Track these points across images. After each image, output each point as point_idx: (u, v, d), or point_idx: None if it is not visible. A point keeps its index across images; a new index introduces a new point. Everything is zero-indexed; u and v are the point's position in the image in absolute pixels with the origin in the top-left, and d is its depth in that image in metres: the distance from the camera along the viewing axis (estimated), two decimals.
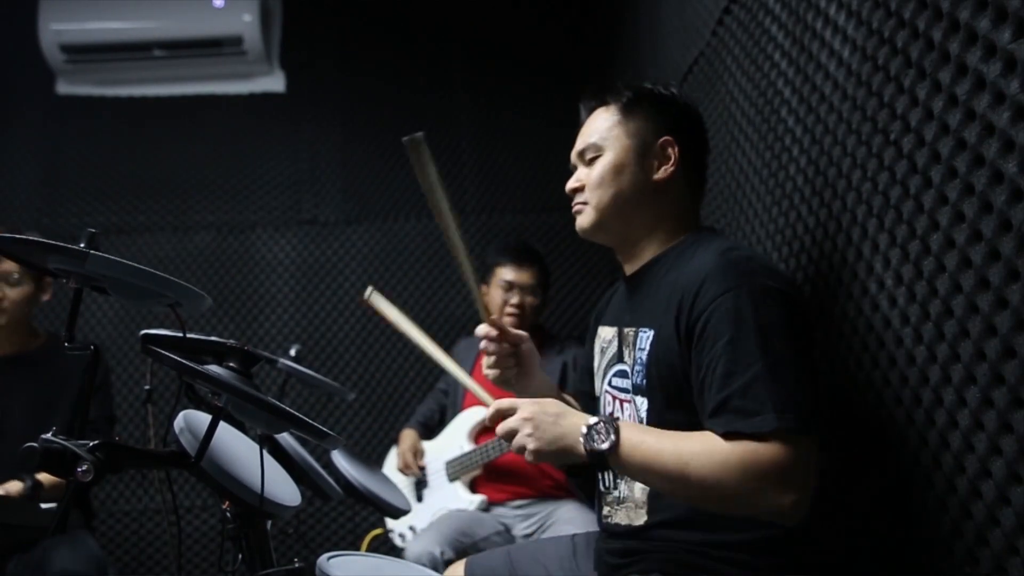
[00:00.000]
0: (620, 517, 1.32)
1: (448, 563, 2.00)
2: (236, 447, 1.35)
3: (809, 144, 1.42)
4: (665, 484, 1.13)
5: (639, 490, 1.29)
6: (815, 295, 1.40)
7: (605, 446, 1.10)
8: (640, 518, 1.28)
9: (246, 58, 3.41)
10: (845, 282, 1.28)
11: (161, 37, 3.35)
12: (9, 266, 2.10)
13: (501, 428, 1.16)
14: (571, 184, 1.38)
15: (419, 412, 2.82)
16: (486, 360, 1.42)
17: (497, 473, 2.49)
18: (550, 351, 2.59)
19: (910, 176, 1.08)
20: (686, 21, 2.22)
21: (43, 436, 1.08)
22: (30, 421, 2.10)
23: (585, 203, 1.35)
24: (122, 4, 3.36)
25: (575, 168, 1.40)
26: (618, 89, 1.37)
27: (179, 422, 1.25)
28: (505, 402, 1.17)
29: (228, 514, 1.32)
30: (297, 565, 1.33)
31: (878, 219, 1.17)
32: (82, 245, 1.16)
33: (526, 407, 1.15)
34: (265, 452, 1.30)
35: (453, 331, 3.26)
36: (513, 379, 1.43)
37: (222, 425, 1.21)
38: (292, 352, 2.00)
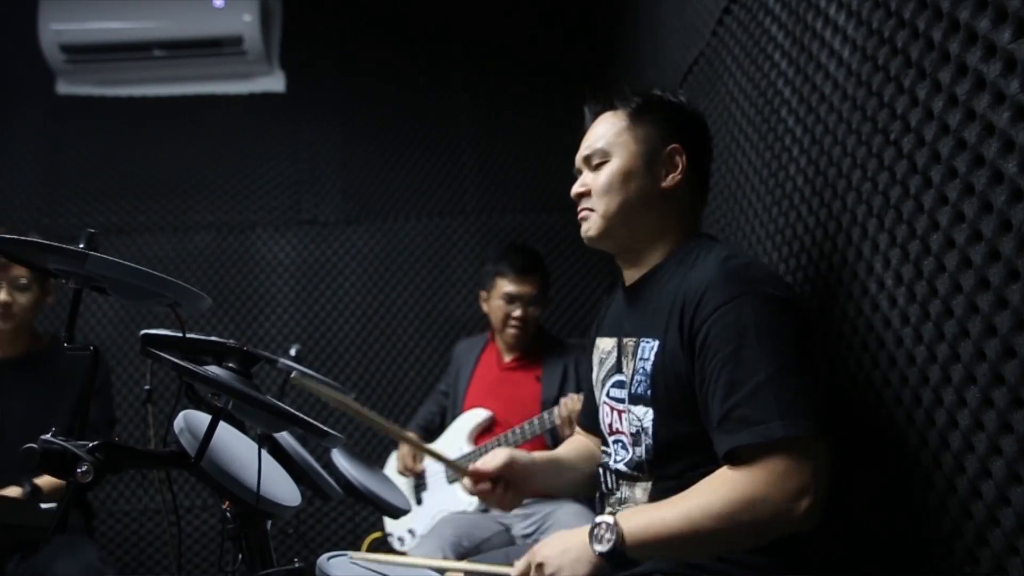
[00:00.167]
0: None
1: None
2: (236, 447, 1.35)
3: (809, 144, 1.42)
4: (692, 548, 1.14)
5: (640, 491, 1.28)
6: (815, 295, 1.40)
7: (608, 546, 1.10)
8: None
9: (246, 58, 3.41)
10: (845, 282, 1.28)
11: (161, 37, 3.35)
12: (18, 271, 2.11)
13: None
14: (577, 189, 1.36)
15: (419, 415, 2.82)
16: (486, 501, 1.48)
17: None
18: (551, 356, 2.59)
19: (910, 176, 1.08)
20: (686, 21, 2.21)
21: (43, 437, 1.08)
22: (31, 423, 2.09)
23: (591, 209, 1.33)
24: (122, 4, 3.36)
25: (579, 172, 1.38)
26: (626, 94, 1.36)
27: (179, 422, 1.25)
28: (520, 565, 1.18)
29: (228, 514, 1.32)
30: (297, 565, 1.34)
31: (878, 219, 1.17)
32: (82, 246, 1.16)
33: (533, 555, 1.17)
34: (265, 452, 1.30)
35: (453, 331, 3.24)
36: (515, 499, 1.46)
37: (222, 425, 1.20)
38: (292, 352, 2.00)
